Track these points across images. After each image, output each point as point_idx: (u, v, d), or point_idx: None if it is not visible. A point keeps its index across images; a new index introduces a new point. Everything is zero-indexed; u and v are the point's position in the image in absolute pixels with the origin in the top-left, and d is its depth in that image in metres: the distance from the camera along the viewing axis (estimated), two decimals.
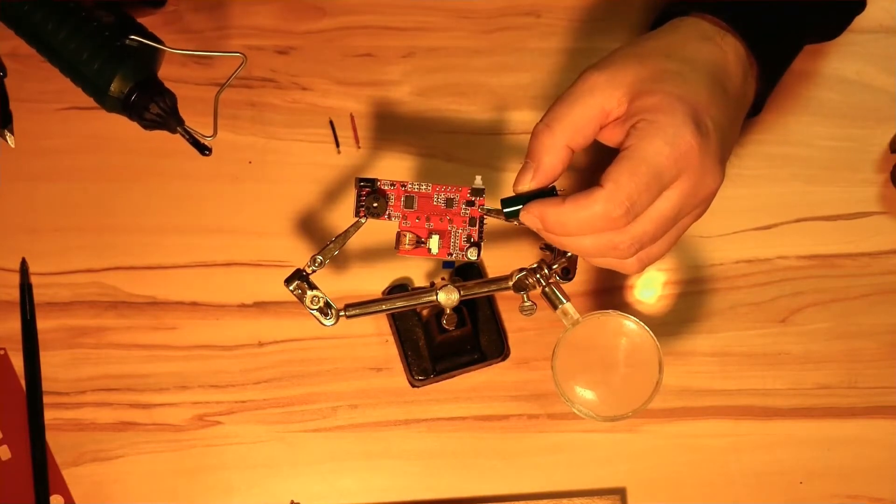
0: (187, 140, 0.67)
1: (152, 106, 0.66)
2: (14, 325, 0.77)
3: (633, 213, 0.58)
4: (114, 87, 0.66)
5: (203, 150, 0.67)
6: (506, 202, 0.63)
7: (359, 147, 0.81)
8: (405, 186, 0.68)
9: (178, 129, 0.67)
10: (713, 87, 0.62)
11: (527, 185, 0.62)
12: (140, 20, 0.69)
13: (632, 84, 0.61)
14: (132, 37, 0.67)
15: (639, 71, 0.61)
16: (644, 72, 0.61)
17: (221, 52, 0.80)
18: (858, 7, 0.77)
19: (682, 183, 0.59)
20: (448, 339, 0.75)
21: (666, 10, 0.68)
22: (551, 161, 0.61)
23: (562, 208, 0.59)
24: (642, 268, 0.63)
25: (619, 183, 0.58)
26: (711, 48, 0.64)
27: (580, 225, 0.59)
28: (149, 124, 0.67)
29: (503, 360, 0.78)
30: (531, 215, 0.61)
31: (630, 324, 0.68)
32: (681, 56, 0.63)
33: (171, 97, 0.67)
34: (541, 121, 0.62)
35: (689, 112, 0.59)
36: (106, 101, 0.66)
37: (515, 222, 0.63)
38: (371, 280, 0.79)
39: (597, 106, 0.61)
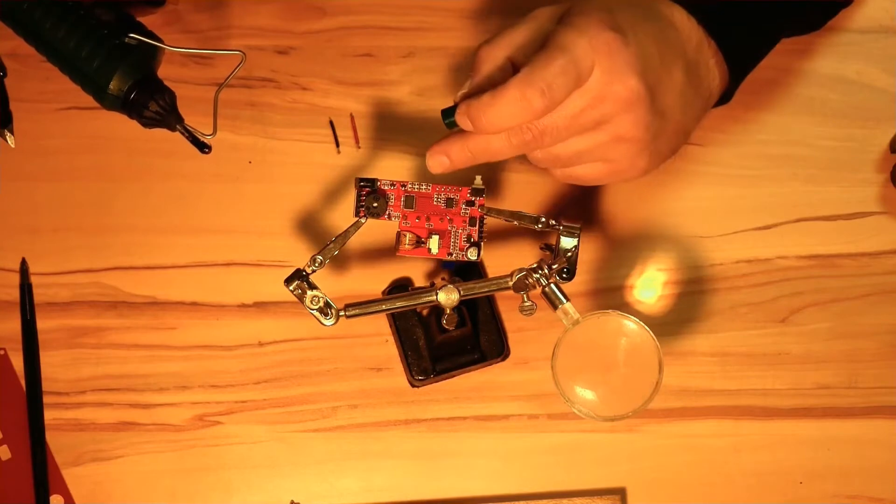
0: (187, 138, 0.67)
1: (151, 104, 0.66)
2: (14, 325, 0.77)
3: (551, 96, 0.60)
4: (113, 85, 0.66)
5: (202, 147, 0.67)
6: (445, 112, 0.64)
7: (359, 147, 0.81)
8: (405, 186, 0.68)
9: (178, 126, 0.67)
10: (645, 20, 0.64)
11: (465, 89, 0.63)
12: (140, 19, 0.69)
13: (567, 8, 0.63)
14: (131, 35, 0.67)
15: (577, 2, 0.64)
16: (580, 2, 0.64)
17: (220, 49, 0.80)
18: (842, 3, 0.78)
19: (594, 79, 0.61)
20: (448, 339, 0.75)
21: None
22: (489, 68, 0.63)
23: (482, 99, 0.61)
24: (547, 164, 0.66)
25: (535, 67, 0.60)
26: (658, 4, 0.66)
27: (502, 114, 0.60)
28: (148, 122, 0.67)
29: (503, 360, 0.78)
30: (461, 114, 0.62)
31: (630, 324, 0.68)
32: (623, 2, 0.65)
33: (171, 95, 0.67)
34: (483, 41, 0.64)
35: (606, 19, 0.61)
36: (105, 99, 0.66)
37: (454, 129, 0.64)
38: (371, 280, 0.78)
39: (536, 27, 0.63)
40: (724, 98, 0.71)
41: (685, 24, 0.66)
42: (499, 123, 0.61)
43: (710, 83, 0.68)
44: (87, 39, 0.66)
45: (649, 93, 0.62)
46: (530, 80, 0.60)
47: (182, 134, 0.67)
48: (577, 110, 0.62)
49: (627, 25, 0.62)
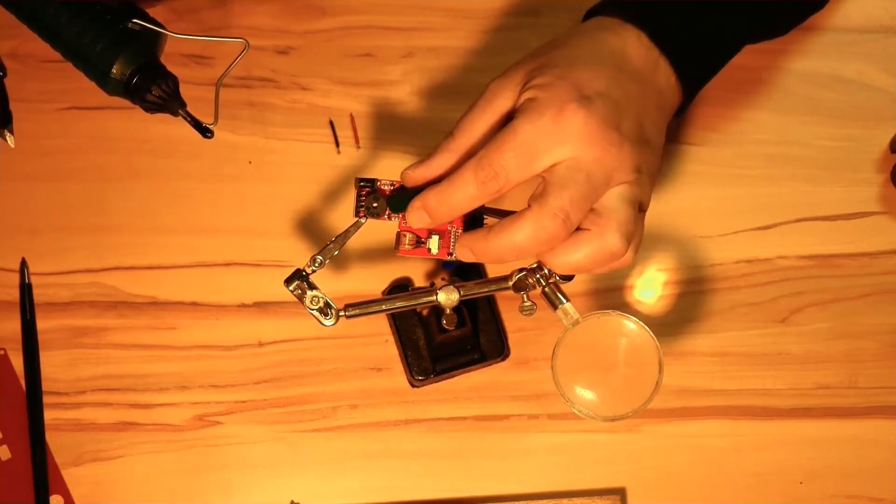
0: (189, 122, 0.67)
1: (154, 88, 0.66)
2: (14, 325, 0.77)
3: (506, 178, 0.61)
4: (116, 69, 0.66)
5: (205, 132, 0.67)
6: (390, 196, 0.66)
7: (359, 147, 0.81)
8: None
9: (180, 111, 0.67)
10: (600, 64, 0.63)
11: (410, 170, 0.64)
12: None
13: (522, 79, 0.63)
14: (135, 20, 0.67)
15: (530, 65, 0.64)
16: (534, 64, 0.63)
17: (222, 37, 0.80)
18: (813, 7, 0.77)
19: (582, 153, 0.60)
20: (448, 339, 0.75)
21: (586, 16, 0.70)
22: (440, 161, 0.64)
23: (439, 188, 0.63)
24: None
25: (488, 150, 0.61)
26: (607, 35, 0.66)
27: (458, 200, 0.62)
28: (150, 107, 0.67)
29: (503, 360, 0.78)
30: (417, 209, 0.63)
31: (630, 324, 0.68)
32: (572, 44, 0.65)
33: (173, 80, 0.67)
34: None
35: (568, 87, 0.61)
36: (108, 84, 0.66)
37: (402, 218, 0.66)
38: (371, 280, 0.79)
39: (491, 110, 0.63)
40: (678, 113, 0.70)
41: (638, 50, 0.65)
42: (456, 211, 0.63)
43: (671, 98, 0.67)
44: (90, 25, 0.66)
45: (630, 135, 0.62)
46: (480, 165, 0.61)
47: (184, 118, 0.67)
48: (586, 192, 0.61)
49: (585, 81, 0.61)
